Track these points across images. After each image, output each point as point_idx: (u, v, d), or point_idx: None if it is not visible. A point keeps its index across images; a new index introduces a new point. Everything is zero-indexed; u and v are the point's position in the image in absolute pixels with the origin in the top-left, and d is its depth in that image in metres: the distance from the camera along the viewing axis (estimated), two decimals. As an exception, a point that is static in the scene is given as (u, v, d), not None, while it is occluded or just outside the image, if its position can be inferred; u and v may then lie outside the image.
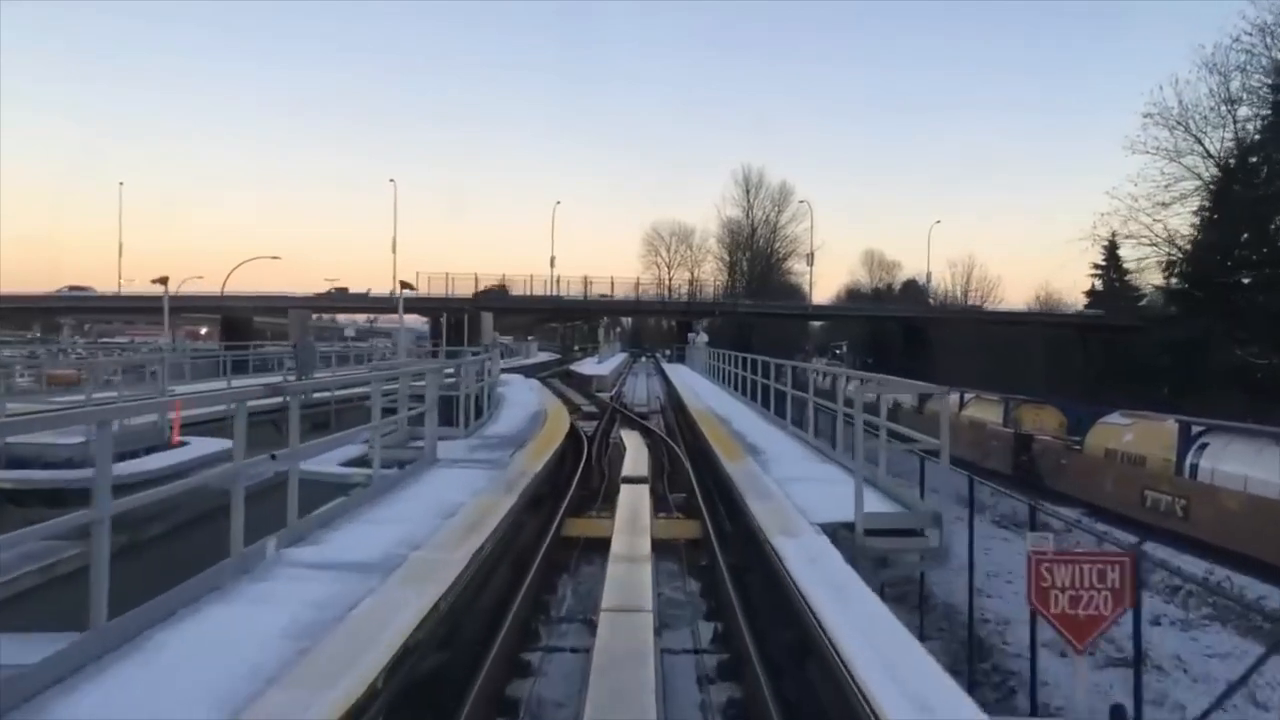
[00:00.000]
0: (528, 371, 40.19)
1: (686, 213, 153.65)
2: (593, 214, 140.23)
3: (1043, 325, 74.20)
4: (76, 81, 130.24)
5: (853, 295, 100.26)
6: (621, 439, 17.17)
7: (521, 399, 20.44)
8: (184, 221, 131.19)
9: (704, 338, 39.21)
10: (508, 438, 13.19)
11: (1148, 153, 50.88)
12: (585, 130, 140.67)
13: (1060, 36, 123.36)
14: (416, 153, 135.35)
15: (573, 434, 17.97)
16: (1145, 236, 53.45)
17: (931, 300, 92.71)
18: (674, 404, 25.48)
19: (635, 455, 14.29)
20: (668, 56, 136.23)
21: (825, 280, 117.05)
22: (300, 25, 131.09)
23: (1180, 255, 51.41)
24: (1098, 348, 66.51)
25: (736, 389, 24.10)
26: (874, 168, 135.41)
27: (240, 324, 68.58)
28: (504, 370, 36.37)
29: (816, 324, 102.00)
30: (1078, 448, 26.75)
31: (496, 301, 73.21)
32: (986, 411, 32.59)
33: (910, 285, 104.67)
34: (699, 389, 26.31)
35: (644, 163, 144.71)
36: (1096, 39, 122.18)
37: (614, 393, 32.40)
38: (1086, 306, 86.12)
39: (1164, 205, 51.36)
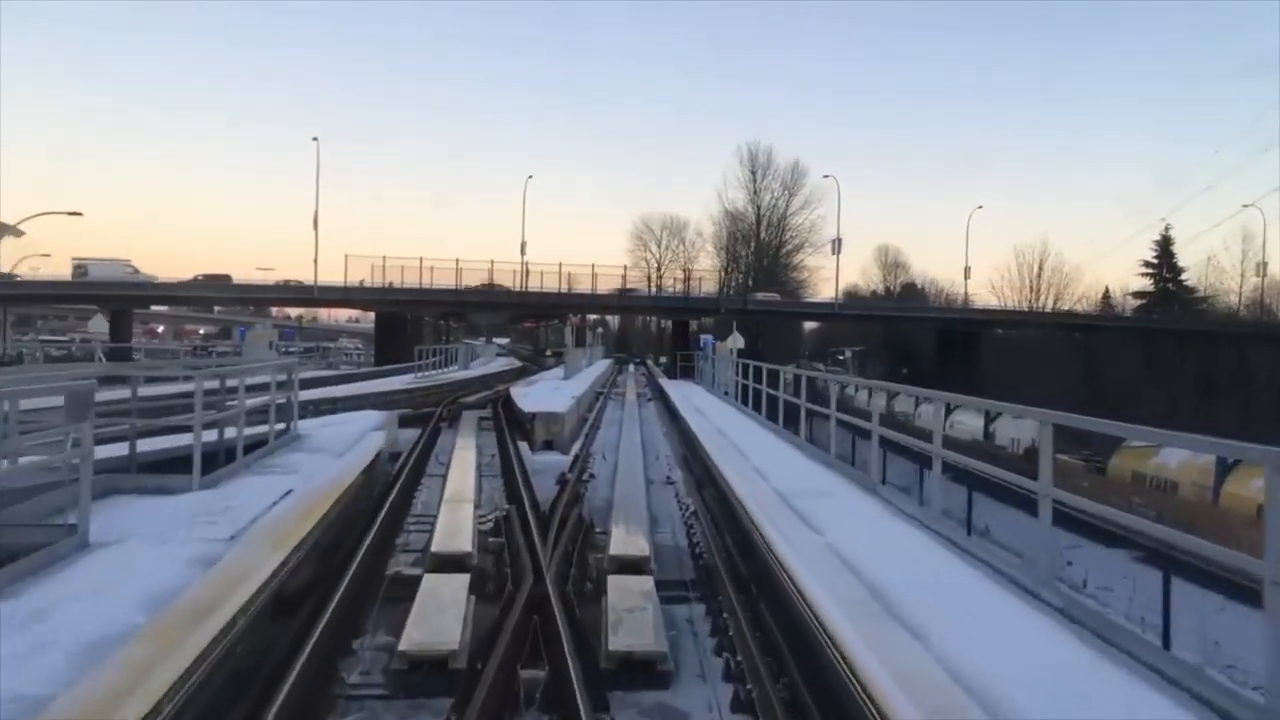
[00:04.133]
0: (446, 393, 23.14)
1: (680, 210, 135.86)
2: (578, 211, 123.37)
3: (1146, 332, 57.23)
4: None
5: (850, 295, 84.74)
6: None
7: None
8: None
9: (739, 341, 22.04)
10: None
11: None
12: (573, 125, 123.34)
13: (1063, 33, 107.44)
14: (398, 146, 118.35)
15: None
16: None
17: (935, 301, 77.57)
18: (748, 581, 6.80)
19: None
20: (662, 50, 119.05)
21: (832, 278, 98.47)
22: (297, 20, 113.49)
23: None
24: (1225, 363, 49.55)
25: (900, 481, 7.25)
26: (884, 164, 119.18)
27: (116, 317, 52.14)
28: (376, 396, 19.32)
29: (809, 327, 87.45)
30: None
31: (446, 296, 56.26)
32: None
33: (910, 288, 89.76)
34: (798, 493, 8.00)
35: (634, 157, 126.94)
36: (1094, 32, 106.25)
37: (575, 460, 13.12)
38: (1137, 309, 72.40)
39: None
